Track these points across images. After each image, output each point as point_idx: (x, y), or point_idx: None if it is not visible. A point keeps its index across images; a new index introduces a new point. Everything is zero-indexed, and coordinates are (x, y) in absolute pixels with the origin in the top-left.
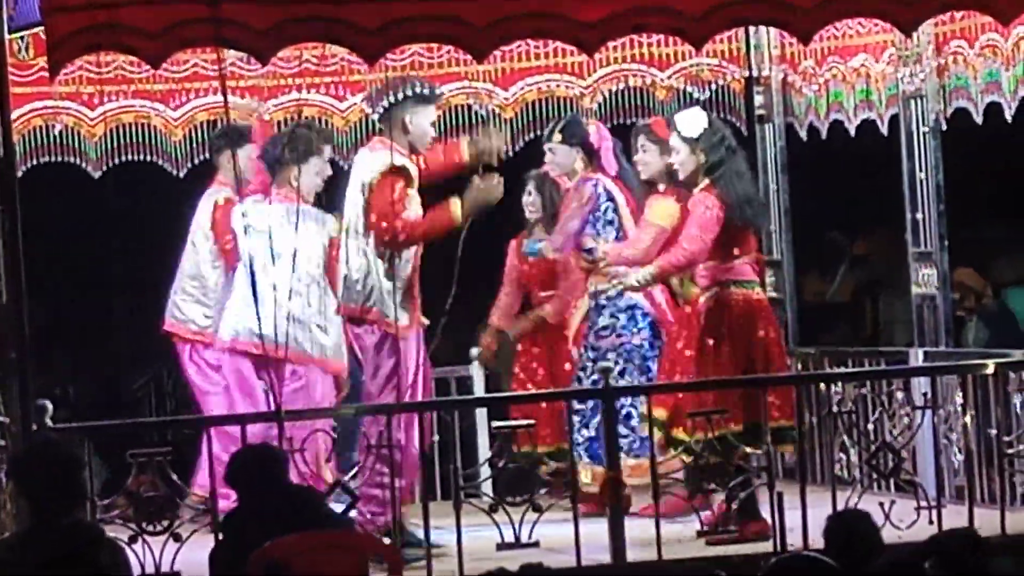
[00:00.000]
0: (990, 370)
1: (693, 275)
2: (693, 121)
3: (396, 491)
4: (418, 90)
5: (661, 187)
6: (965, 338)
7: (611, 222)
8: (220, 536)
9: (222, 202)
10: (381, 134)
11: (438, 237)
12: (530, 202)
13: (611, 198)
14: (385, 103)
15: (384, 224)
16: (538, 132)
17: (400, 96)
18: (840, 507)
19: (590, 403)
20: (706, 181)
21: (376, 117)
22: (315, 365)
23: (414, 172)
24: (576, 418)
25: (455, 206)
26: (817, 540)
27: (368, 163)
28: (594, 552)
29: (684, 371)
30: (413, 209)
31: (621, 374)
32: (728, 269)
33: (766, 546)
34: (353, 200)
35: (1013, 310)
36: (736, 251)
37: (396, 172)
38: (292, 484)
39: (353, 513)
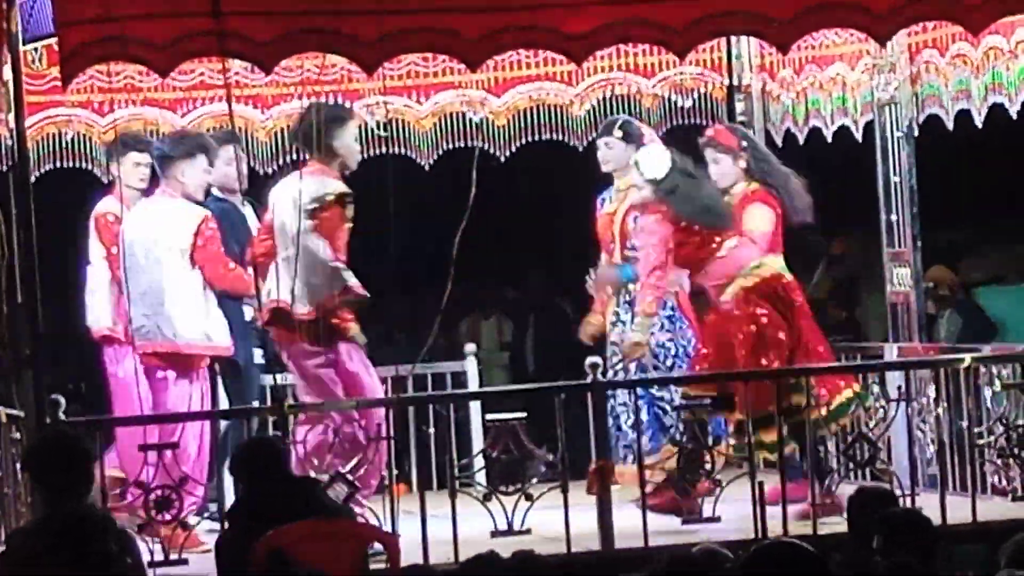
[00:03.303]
0: (965, 364)
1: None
2: (658, 163)
3: (393, 479)
4: (332, 112)
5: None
6: (937, 333)
7: None
8: (226, 526)
9: (102, 212)
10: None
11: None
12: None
13: None
14: (304, 131)
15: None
16: (531, 138)
17: (314, 122)
18: (818, 497)
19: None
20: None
21: (302, 146)
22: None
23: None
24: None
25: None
26: (795, 528)
27: (314, 187)
28: (584, 540)
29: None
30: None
31: (670, 368)
32: (722, 262)
33: (748, 533)
34: (291, 220)
35: (983, 306)
36: (715, 246)
37: (341, 201)
38: (293, 475)
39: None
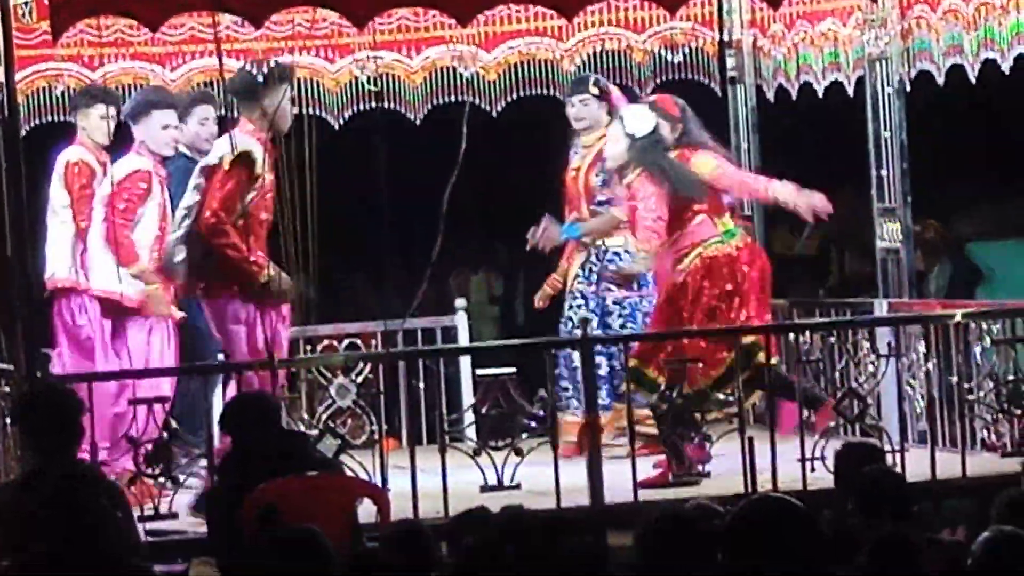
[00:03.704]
0: (956, 319)
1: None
2: (641, 121)
3: (383, 434)
4: (265, 72)
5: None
6: (927, 288)
7: None
8: (216, 479)
9: (75, 160)
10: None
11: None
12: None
13: None
14: (238, 91)
15: (209, 214)
16: (521, 93)
17: (250, 81)
18: (807, 452)
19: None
20: (639, 170)
21: (236, 105)
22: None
23: (259, 156)
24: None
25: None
26: (785, 483)
27: (220, 147)
28: (573, 494)
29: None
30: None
31: (622, 327)
32: (695, 230)
33: (737, 488)
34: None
35: (976, 262)
36: (685, 218)
37: (241, 162)
38: (284, 429)
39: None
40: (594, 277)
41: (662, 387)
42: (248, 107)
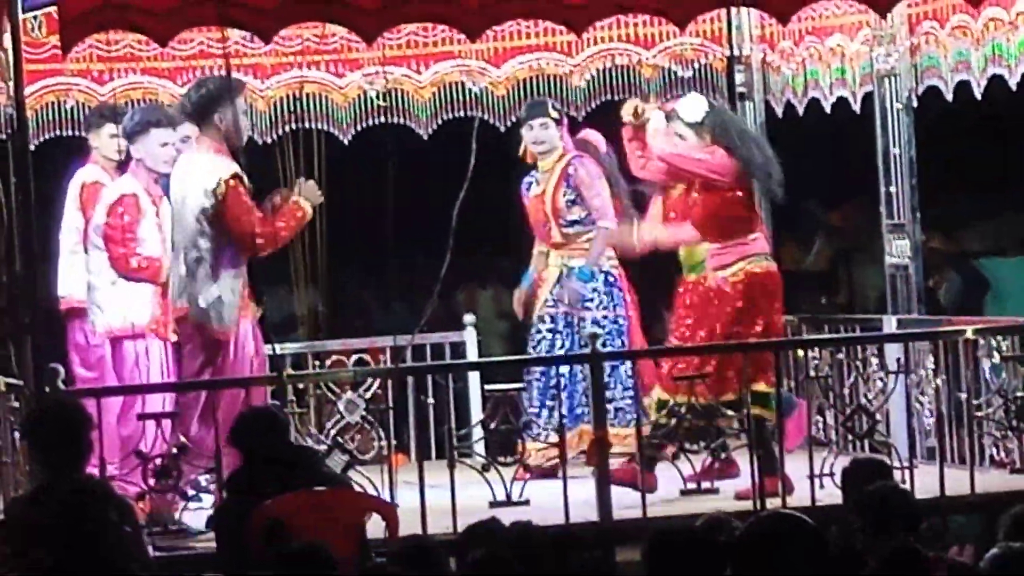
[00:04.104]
0: (967, 336)
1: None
2: (694, 107)
3: (391, 449)
4: (215, 88)
5: None
6: (937, 305)
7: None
8: (224, 494)
9: (90, 181)
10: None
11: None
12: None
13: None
14: (190, 108)
15: (245, 231)
16: None
17: (201, 99)
18: (816, 469)
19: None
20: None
21: (191, 120)
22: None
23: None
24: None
25: (305, 203)
26: (794, 499)
27: (207, 167)
28: (582, 510)
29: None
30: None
31: (604, 345)
32: (748, 244)
33: (746, 504)
34: (192, 204)
35: (988, 277)
36: (750, 226)
37: (239, 179)
38: (293, 445)
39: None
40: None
41: (670, 403)
42: (206, 124)
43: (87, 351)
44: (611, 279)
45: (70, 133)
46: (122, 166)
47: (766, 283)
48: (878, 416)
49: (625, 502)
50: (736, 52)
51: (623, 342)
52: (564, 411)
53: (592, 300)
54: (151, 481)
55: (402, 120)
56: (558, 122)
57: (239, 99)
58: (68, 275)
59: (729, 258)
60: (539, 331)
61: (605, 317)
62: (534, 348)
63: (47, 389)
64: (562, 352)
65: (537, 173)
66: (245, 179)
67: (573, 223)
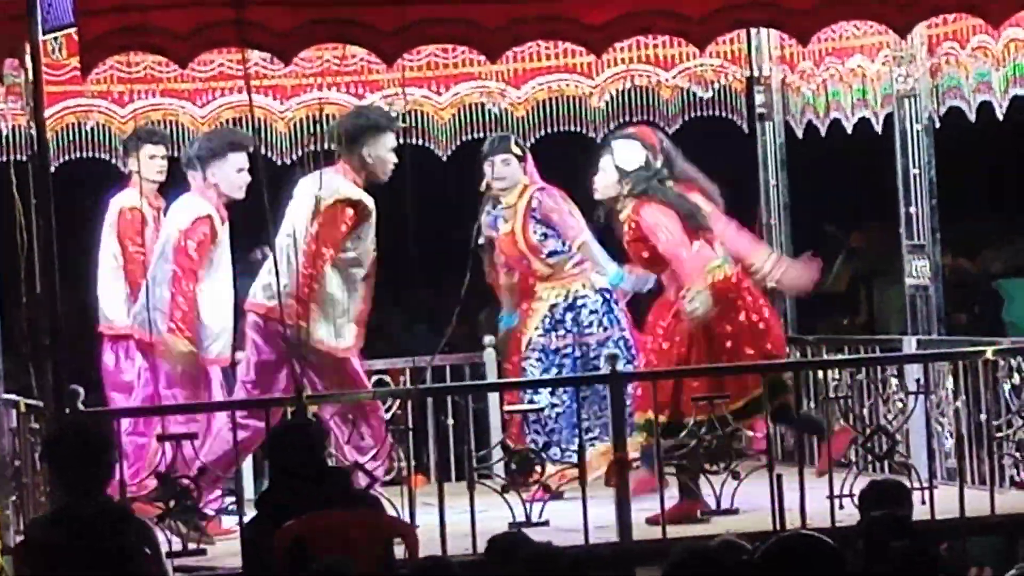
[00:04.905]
0: (987, 356)
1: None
2: (630, 155)
3: (411, 470)
4: (373, 119)
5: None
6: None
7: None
8: (255, 510)
9: (128, 206)
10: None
11: None
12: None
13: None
14: (341, 133)
15: (316, 248)
16: (549, 129)
17: (355, 127)
18: (836, 489)
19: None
20: (633, 203)
21: (335, 148)
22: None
23: (371, 205)
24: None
25: None
26: (814, 520)
27: (328, 182)
28: (602, 531)
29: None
30: (365, 244)
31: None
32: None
33: (766, 525)
34: (301, 213)
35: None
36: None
37: (350, 203)
38: (324, 462)
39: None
40: (559, 329)
41: (690, 423)
42: (349, 151)
43: (119, 374)
44: (607, 298)
45: (90, 155)
46: (161, 189)
47: (730, 289)
48: (898, 437)
49: (645, 523)
50: (756, 73)
51: (632, 357)
52: (566, 436)
53: (591, 326)
54: (171, 503)
55: (422, 141)
56: (520, 158)
57: (391, 135)
58: (110, 301)
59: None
60: (528, 359)
61: (608, 338)
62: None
63: (67, 410)
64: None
65: (501, 210)
66: (367, 204)
67: (552, 254)
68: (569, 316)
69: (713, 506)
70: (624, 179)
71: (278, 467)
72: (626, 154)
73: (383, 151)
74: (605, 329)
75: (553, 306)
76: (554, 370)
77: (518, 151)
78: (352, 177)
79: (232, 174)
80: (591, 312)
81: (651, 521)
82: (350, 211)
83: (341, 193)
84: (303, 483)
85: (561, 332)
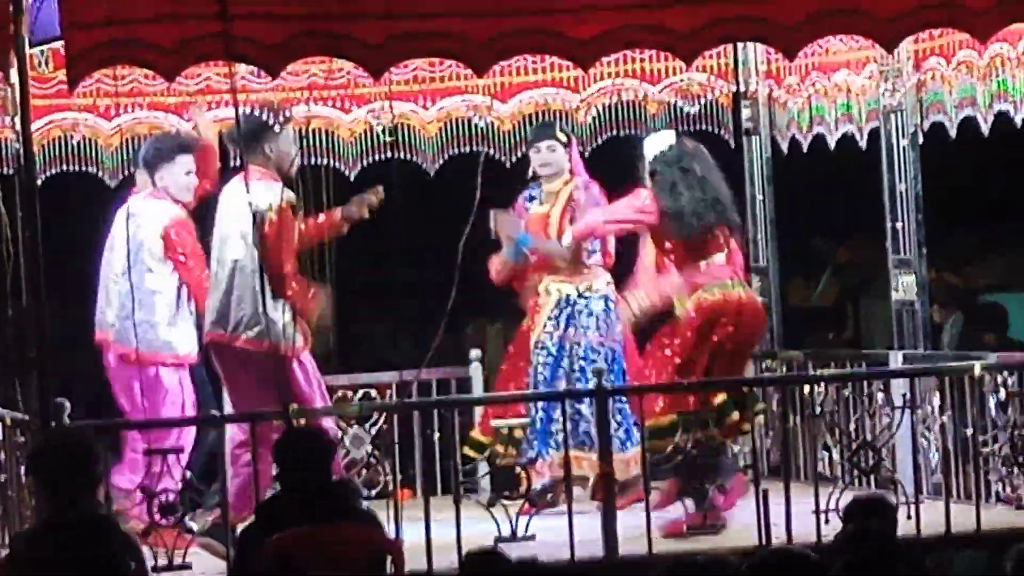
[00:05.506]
0: (976, 372)
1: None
2: (660, 140)
3: (397, 484)
4: (268, 119)
5: None
6: (940, 341)
7: None
8: (254, 517)
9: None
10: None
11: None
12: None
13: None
14: (243, 137)
15: (276, 262)
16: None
17: (247, 130)
18: (822, 504)
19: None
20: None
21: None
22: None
23: (294, 199)
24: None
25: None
26: (800, 535)
27: (259, 193)
28: (587, 546)
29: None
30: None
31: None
32: (702, 274)
33: (751, 540)
34: (241, 229)
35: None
36: (703, 256)
37: (291, 208)
38: (326, 474)
39: None
40: (562, 324)
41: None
42: (253, 152)
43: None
44: (609, 303)
45: (77, 168)
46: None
47: (715, 310)
48: (884, 452)
49: (631, 538)
50: (742, 87)
51: (618, 367)
52: (558, 438)
53: (589, 326)
54: (156, 516)
55: (408, 155)
56: (566, 145)
57: (288, 128)
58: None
59: (688, 288)
60: (537, 356)
61: (601, 344)
62: (535, 376)
63: (53, 423)
64: (562, 379)
65: (541, 192)
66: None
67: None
68: (576, 311)
69: (699, 522)
70: (649, 162)
71: (286, 469)
72: (656, 140)
73: (284, 145)
74: (601, 335)
75: (559, 301)
76: (566, 361)
77: (563, 137)
78: (271, 176)
79: (180, 176)
80: (590, 315)
81: (670, 534)
82: (290, 212)
83: (279, 199)
84: (299, 494)
85: (570, 329)
